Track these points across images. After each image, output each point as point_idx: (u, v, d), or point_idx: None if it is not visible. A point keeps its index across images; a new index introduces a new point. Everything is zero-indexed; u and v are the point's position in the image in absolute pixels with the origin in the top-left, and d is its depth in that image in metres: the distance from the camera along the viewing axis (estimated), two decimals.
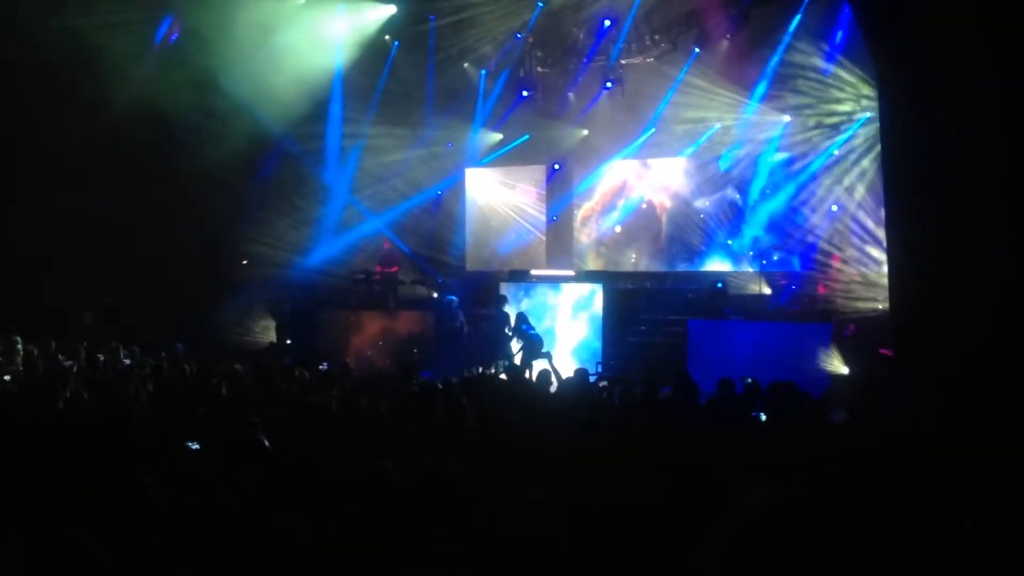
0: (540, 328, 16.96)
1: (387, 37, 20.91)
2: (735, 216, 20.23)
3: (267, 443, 5.62)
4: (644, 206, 21.70)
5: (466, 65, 21.76)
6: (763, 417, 8.83)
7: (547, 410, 8.65)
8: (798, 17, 18.06)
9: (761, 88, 19.02)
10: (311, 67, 19.23)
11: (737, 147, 20.06)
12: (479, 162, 23.27)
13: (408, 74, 21.34)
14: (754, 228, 19.70)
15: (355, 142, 21.66)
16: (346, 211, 21.82)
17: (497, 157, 23.05)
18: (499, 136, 22.85)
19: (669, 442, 6.46)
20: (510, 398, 9.54)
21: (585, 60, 20.97)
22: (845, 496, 2.02)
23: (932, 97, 10.40)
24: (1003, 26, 9.45)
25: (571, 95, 21.94)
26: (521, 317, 16.68)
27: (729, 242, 20.18)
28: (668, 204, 21.41)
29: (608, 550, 3.78)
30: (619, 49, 20.35)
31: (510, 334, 16.84)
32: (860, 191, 17.88)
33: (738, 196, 20.22)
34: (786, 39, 18.25)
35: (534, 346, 16.25)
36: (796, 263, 18.97)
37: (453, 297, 17.79)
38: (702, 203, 20.82)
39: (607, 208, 22.19)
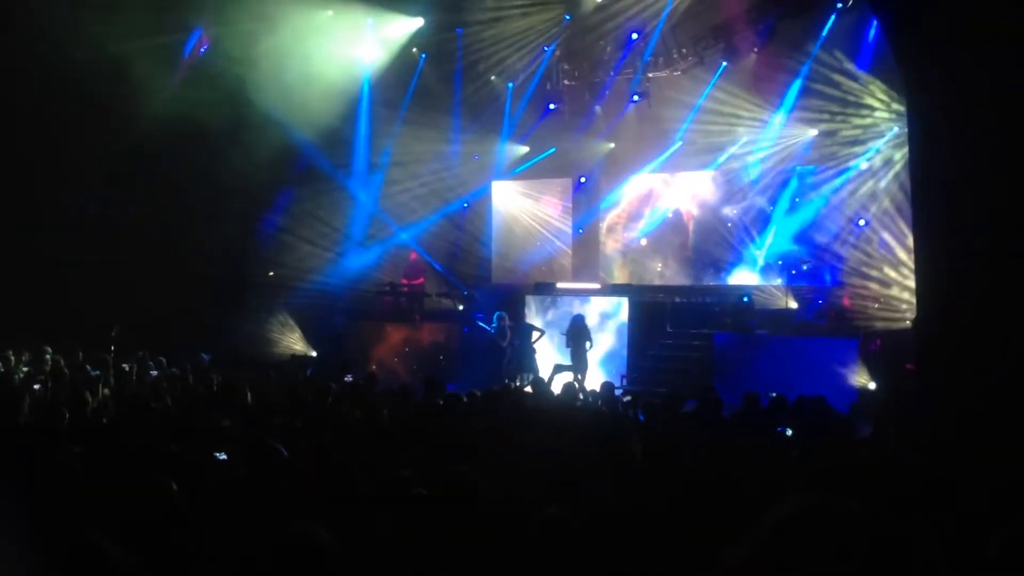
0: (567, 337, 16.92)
1: (414, 50, 21.01)
2: (763, 224, 20.12)
3: (286, 453, 5.65)
4: (670, 215, 21.64)
5: (493, 78, 21.81)
6: (789, 432, 8.78)
7: (572, 424, 8.63)
8: (825, 31, 17.99)
9: (788, 101, 18.96)
10: (339, 79, 19.37)
11: (758, 161, 19.98)
12: (506, 175, 23.28)
13: (435, 86, 21.43)
14: (783, 238, 19.58)
15: (382, 154, 21.74)
16: (373, 223, 21.88)
17: (524, 170, 23.05)
18: (526, 149, 22.87)
19: (692, 456, 6.44)
20: (535, 411, 9.53)
21: (612, 73, 20.97)
22: (870, 511, 2.00)
23: (961, 109, 10.32)
24: None
25: (598, 108, 21.92)
26: (577, 323, 16.67)
27: (757, 252, 20.05)
28: (696, 212, 21.32)
29: (629, 564, 3.78)
30: (646, 62, 20.35)
31: (535, 347, 16.90)
32: (888, 205, 17.78)
33: (768, 205, 20.08)
34: (813, 53, 18.18)
35: (580, 362, 16.28)
36: (827, 276, 18.88)
37: (502, 312, 17.76)
38: (730, 211, 20.72)
39: (633, 216, 22.12)
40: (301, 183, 20.36)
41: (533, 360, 16.79)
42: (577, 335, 16.54)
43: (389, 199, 22.02)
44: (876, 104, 17.82)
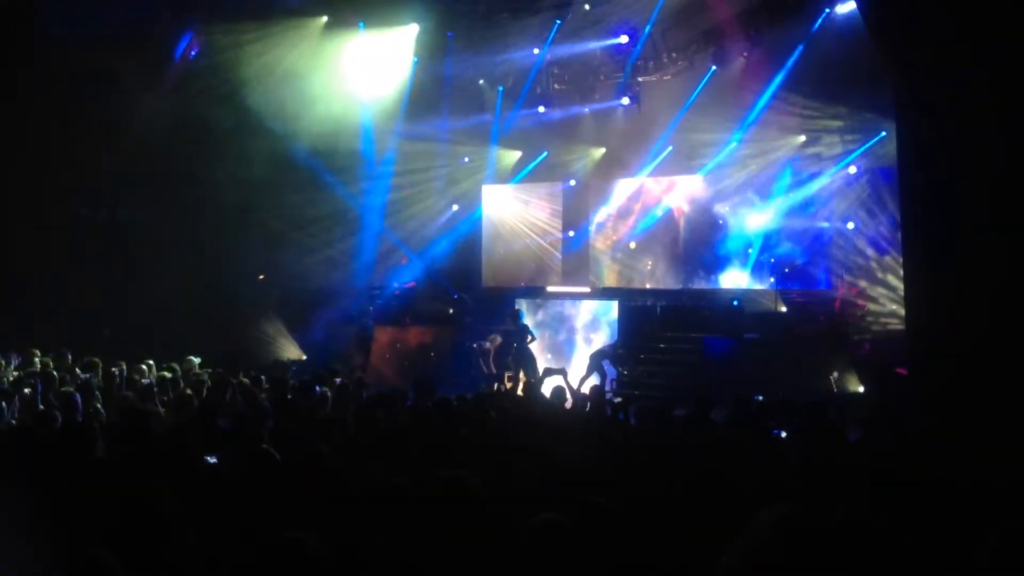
0: (558, 339, 17.01)
1: (399, 55, 21.06)
2: (755, 222, 20.02)
3: (279, 457, 5.65)
4: (660, 213, 21.57)
5: (481, 82, 21.83)
6: (783, 434, 8.80)
7: (562, 428, 8.64)
8: (812, 33, 17.97)
9: (775, 105, 18.95)
10: (337, 88, 19.46)
11: (749, 163, 19.97)
12: (504, 181, 23.24)
13: (426, 90, 21.38)
14: (775, 236, 19.50)
15: (378, 156, 21.73)
16: (366, 229, 21.82)
17: (523, 177, 23.03)
18: (517, 153, 22.87)
19: (684, 461, 6.45)
20: (525, 415, 9.53)
21: (602, 77, 21.02)
22: (859, 515, 2.02)
23: (949, 111, 10.37)
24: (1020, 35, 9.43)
25: (588, 112, 21.94)
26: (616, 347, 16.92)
27: (748, 250, 19.98)
28: (686, 209, 21.21)
29: (626, 568, 3.78)
30: (636, 67, 20.40)
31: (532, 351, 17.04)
32: (876, 207, 17.82)
33: (760, 202, 20.01)
34: (800, 57, 18.19)
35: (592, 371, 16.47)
36: (820, 275, 18.89)
37: (490, 336, 17.90)
38: (722, 208, 20.58)
39: (623, 213, 21.99)
40: (294, 186, 20.26)
41: (533, 363, 16.92)
42: (614, 358, 16.77)
43: (391, 216, 22.05)
44: (863, 107, 17.84)
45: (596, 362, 16.60)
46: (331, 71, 19.41)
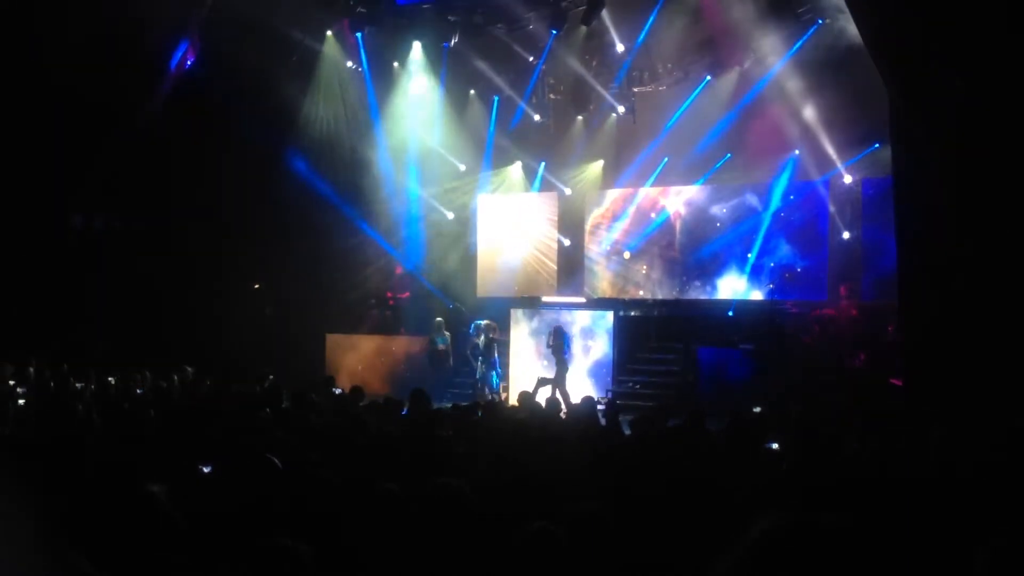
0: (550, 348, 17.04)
1: (396, 64, 21.17)
2: (754, 225, 19.82)
3: (278, 464, 5.64)
4: (654, 216, 21.48)
5: (472, 91, 21.88)
6: (775, 446, 8.79)
7: (556, 437, 8.63)
8: (805, 43, 17.99)
9: (770, 113, 18.88)
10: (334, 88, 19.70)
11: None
12: (497, 192, 23.21)
13: (424, 100, 21.40)
14: (773, 241, 19.44)
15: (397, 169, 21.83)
16: (358, 234, 21.79)
17: (538, 188, 22.98)
18: (514, 163, 22.82)
19: (678, 471, 6.45)
20: (519, 424, 9.52)
21: (597, 87, 21.03)
22: (853, 524, 2.02)
23: (945, 125, 10.38)
24: (1016, 42, 9.45)
25: (584, 122, 21.94)
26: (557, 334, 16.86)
27: (748, 255, 19.82)
28: (683, 211, 20.98)
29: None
30: (631, 77, 20.43)
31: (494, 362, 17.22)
32: (871, 219, 17.83)
33: (759, 205, 19.87)
34: (794, 67, 18.19)
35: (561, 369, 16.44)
36: (818, 283, 18.82)
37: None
38: (719, 210, 20.37)
39: (617, 215, 21.91)
40: (290, 194, 20.21)
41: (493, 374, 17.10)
42: (556, 346, 16.68)
43: (375, 209, 22.03)
44: (858, 117, 17.83)
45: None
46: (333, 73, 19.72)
